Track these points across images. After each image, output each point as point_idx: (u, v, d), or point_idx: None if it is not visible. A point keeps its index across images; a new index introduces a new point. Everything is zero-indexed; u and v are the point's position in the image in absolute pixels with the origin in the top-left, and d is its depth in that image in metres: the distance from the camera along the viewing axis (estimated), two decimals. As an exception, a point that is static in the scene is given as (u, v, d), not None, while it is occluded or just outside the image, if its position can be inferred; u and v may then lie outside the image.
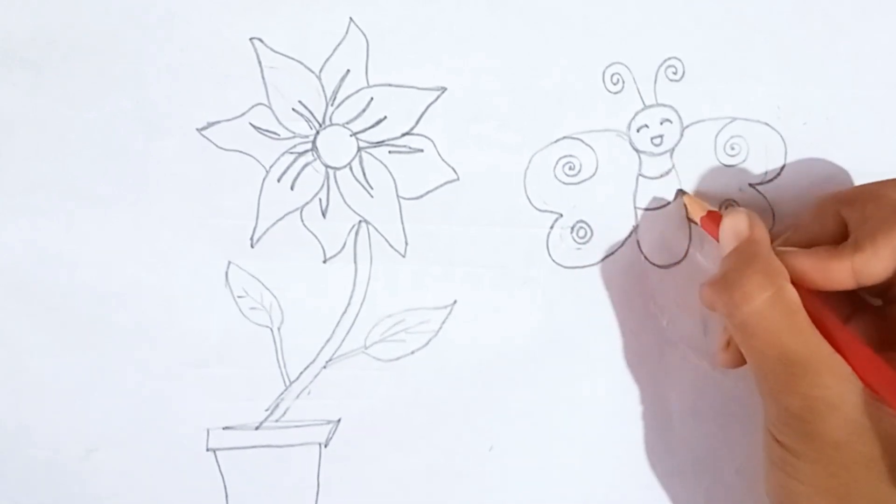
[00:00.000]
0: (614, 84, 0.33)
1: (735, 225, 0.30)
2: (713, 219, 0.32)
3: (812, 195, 0.34)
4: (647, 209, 0.34)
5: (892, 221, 0.27)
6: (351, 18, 0.32)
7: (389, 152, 0.33)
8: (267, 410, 0.35)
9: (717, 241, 0.31)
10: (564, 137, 0.34)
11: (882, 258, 0.27)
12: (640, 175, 0.34)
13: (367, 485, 0.36)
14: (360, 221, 0.34)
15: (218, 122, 0.32)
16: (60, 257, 0.33)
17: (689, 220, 0.34)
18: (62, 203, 0.32)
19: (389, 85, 0.33)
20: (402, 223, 0.34)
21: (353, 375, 0.35)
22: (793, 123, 0.34)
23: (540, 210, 0.34)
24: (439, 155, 0.33)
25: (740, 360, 0.31)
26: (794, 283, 0.28)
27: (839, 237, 0.30)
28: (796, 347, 0.27)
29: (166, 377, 0.34)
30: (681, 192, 0.34)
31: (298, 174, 0.33)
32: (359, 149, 0.33)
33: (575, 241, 0.34)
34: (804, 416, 0.27)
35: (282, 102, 0.32)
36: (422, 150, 0.33)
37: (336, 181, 0.33)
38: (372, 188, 0.33)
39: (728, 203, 0.34)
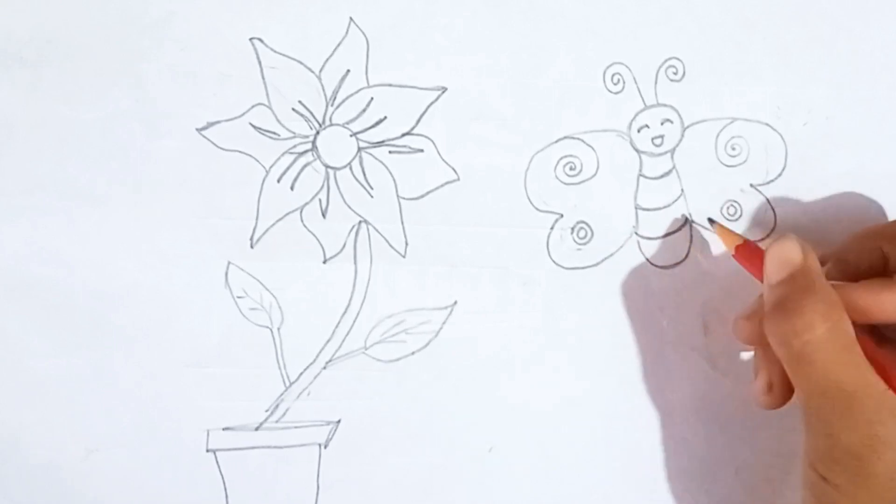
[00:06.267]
0: (615, 84, 0.33)
1: (786, 253, 0.29)
2: (750, 249, 0.31)
3: (812, 196, 0.34)
4: (647, 209, 0.34)
5: None
6: (351, 18, 0.32)
7: (389, 152, 0.33)
8: (267, 411, 0.35)
9: (751, 272, 0.31)
10: (565, 137, 0.34)
11: None
12: (641, 175, 0.34)
13: (367, 485, 0.36)
14: (360, 222, 0.34)
15: (218, 122, 0.32)
16: (60, 257, 0.32)
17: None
18: (62, 203, 0.32)
19: (389, 85, 0.33)
20: (402, 223, 0.34)
21: (353, 376, 0.35)
22: (793, 124, 0.34)
23: (540, 210, 0.34)
24: (439, 155, 0.33)
25: (782, 401, 0.30)
26: None
27: (879, 272, 0.30)
28: (854, 382, 0.26)
29: (166, 377, 0.34)
30: (712, 222, 0.34)
31: (298, 174, 0.33)
32: (359, 149, 0.33)
33: (575, 241, 0.34)
34: (860, 453, 0.26)
35: (282, 102, 0.32)
36: (422, 150, 0.33)
37: (336, 181, 0.33)
38: (372, 188, 0.33)
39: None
